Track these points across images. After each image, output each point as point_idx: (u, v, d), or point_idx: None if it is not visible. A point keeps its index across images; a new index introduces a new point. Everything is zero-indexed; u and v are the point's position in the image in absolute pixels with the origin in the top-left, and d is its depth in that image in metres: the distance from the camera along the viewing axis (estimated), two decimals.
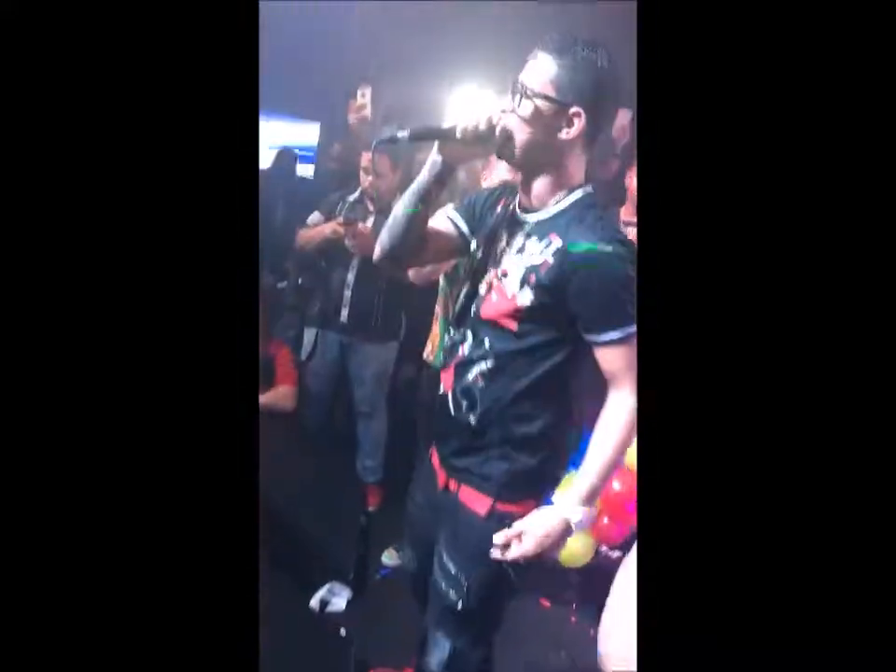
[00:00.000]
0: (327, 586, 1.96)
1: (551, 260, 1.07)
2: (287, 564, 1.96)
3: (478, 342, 1.16)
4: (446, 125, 1.09)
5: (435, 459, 1.29)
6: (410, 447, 2.39)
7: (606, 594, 1.61)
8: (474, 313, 1.18)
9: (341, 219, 2.24)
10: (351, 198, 2.41)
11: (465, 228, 1.25)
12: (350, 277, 2.37)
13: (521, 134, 1.06)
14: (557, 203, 1.11)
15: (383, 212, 2.36)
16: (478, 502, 1.17)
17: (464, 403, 1.18)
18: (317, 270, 2.53)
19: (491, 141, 1.08)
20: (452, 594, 1.19)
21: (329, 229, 2.31)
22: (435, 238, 1.25)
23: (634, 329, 1.03)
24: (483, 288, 1.17)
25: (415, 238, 1.21)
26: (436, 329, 2.17)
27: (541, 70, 1.04)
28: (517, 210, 1.17)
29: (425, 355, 2.21)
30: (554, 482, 1.23)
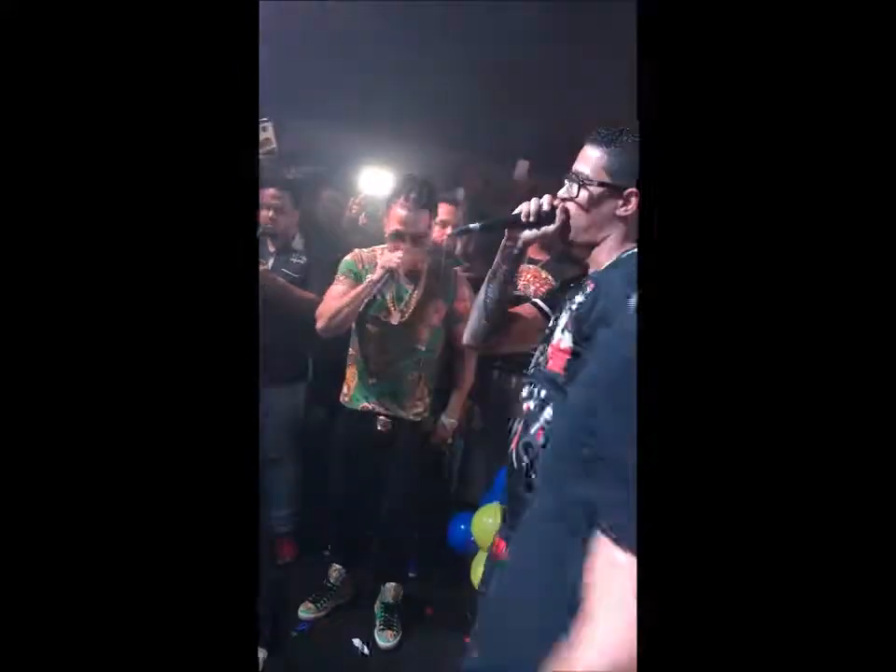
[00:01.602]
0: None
1: (584, 299, 1.12)
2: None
3: (541, 400, 1.17)
4: (513, 213, 1.22)
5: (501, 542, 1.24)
6: (324, 493, 2.32)
7: None
8: (540, 369, 1.20)
9: None
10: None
11: (547, 309, 1.35)
12: None
13: (580, 216, 1.17)
14: (605, 265, 1.19)
15: (282, 251, 2.33)
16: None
17: (525, 459, 1.16)
18: None
19: (552, 223, 1.19)
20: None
21: None
22: (517, 319, 1.37)
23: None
24: (549, 350, 1.20)
25: (500, 321, 1.34)
26: (352, 370, 2.13)
27: (594, 159, 1.15)
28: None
29: (341, 397, 2.17)
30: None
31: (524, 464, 1.16)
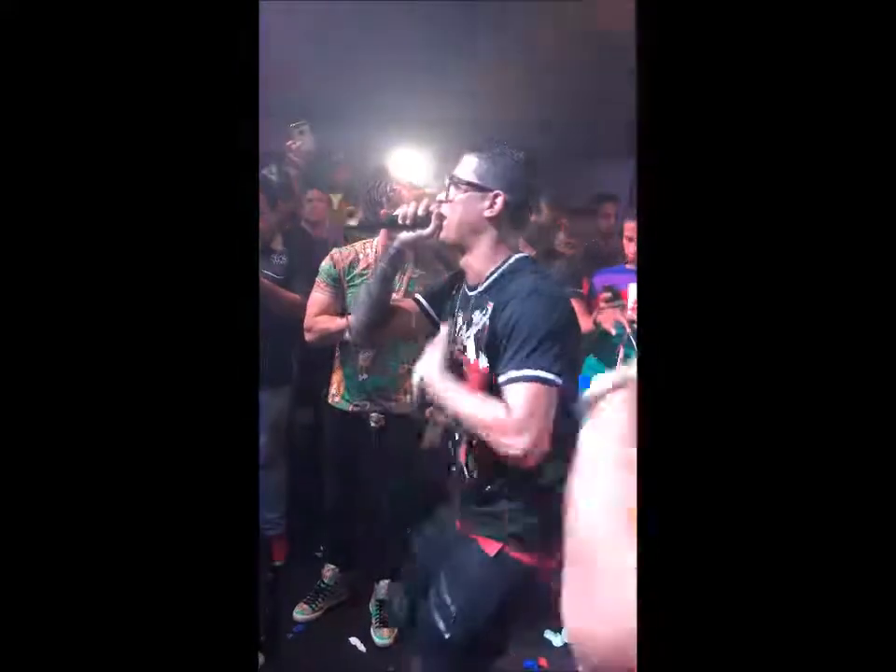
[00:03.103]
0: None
1: (487, 323, 1.23)
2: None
3: None
4: (392, 214, 1.32)
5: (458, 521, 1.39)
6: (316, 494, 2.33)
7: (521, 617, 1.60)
8: None
9: None
10: None
11: (428, 307, 1.46)
12: None
13: (452, 217, 1.27)
14: (492, 273, 1.28)
15: (262, 253, 2.31)
16: (489, 545, 1.26)
17: (474, 471, 1.31)
18: None
19: (429, 225, 1.29)
20: (440, 623, 1.25)
21: None
22: (400, 315, 1.47)
23: (535, 373, 1.11)
24: (463, 367, 1.31)
25: (381, 316, 1.44)
26: (339, 370, 2.14)
27: (468, 164, 1.27)
28: (465, 289, 1.34)
29: (329, 398, 2.16)
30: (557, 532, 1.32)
31: (473, 474, 1.31)
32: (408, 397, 2.12)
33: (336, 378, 2.15)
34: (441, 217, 1.28)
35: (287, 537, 2.52)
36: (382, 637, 2.11)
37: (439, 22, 2.47)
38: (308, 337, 2.05)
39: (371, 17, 2.42)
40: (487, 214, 1.25)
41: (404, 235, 1.34)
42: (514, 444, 1.10)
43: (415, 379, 1.28)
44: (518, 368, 1.14)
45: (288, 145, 2.51)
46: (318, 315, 2.02)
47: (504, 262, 1.27)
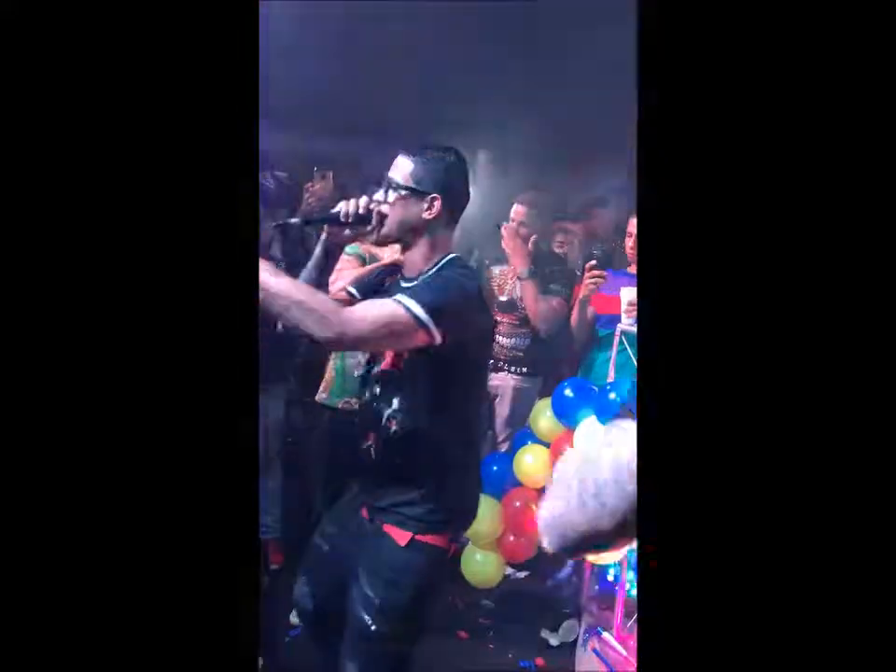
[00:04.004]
0: None
1: None
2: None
3: (383, 394, 1.36)
4: (333, 211, 1.34)
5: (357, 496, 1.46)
6: (310, 495, 2.32)
7: (518, 617, 1.64)
8: (375, 373, 1.39)
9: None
10: None
11: (358, 296, 1.47)
12: None
13: (393, 217, 1.31)
14: (428, 270, 1.34)
15: None
16: (399, 535, 1.31)
17: (383, 451, 1.36)
18: None
19: (369, 224, 1.32)
20: (365, 617, 1.28)
21: None
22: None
23: (399, 298, 1.19)
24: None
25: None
26: (331, 371, 2.16)
27: (403, 167, 1.32)
28: (400, 280, 1.40)
29: (318, 397, 2.18)
30: (465, 514, 1.40)
31: (380, 458, 1.36)
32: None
33: (327, 376, 2.16)
34: (381, 216, 1.32)
35: (283, 540, 2.52)
36: None
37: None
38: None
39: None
40: (426, 216, 1.31)
41: (347, 232, 1.37)
42: (328, 327, 1.12)
43: None
44: (391, 295, 1.23)
45: (307, 186, 2.52)
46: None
47: (439, 261, 1.34)
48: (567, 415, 2.11)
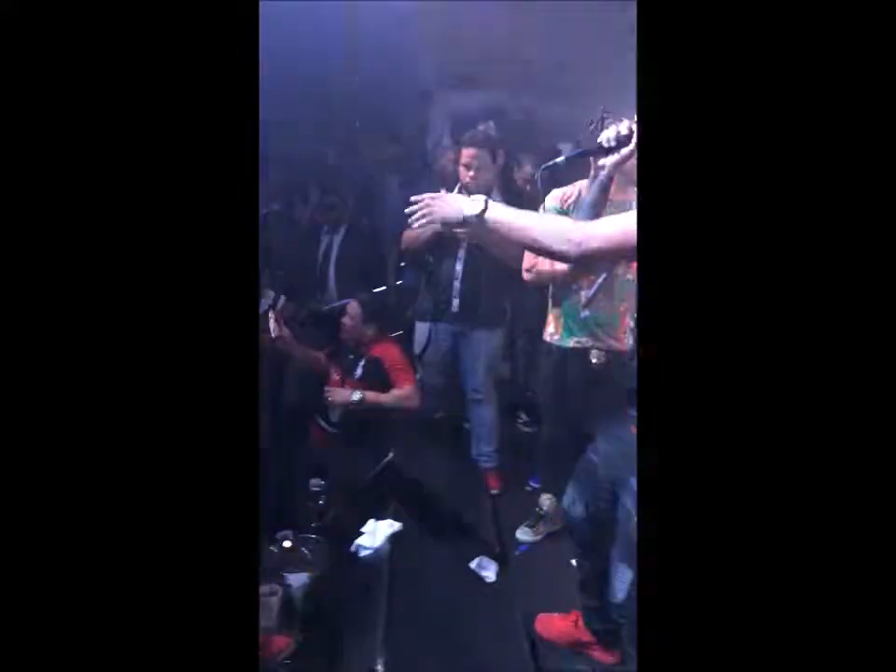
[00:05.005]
0: (477, 559, 2.04)
1: None
2: (438, 536, 2.07)
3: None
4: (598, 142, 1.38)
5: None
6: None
7: None
8: None
9: None
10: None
11: None
12: (459, 268, 2.47)
13: None
14: None
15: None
16: None
17: None
18: (423, 266, 2.64)
19: (629, 144, 1.34)
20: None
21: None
22: None
23: None
24: None
25: None
26: (556, 310, 2.22)
27: None
28: None
29: (547, 336, 2.26)
30: None
31: None
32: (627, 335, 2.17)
33: (553, 316, 2.24)
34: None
35: (502, 468, 2.71)
36: (526, 533, 2.35)
37: None
38: (527, 276, 2.15)
39: None
40: None
41: (612, 158, 1.39)
42: (570, 239, 1.16)
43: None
44: None
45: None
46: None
47: None
48: None
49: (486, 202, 1.26)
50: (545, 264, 2.12)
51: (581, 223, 1.23)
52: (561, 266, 2.08)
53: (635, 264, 1.53)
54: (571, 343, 2.17)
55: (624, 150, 1.36)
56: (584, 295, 2.14)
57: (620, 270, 2.09)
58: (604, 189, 1.47)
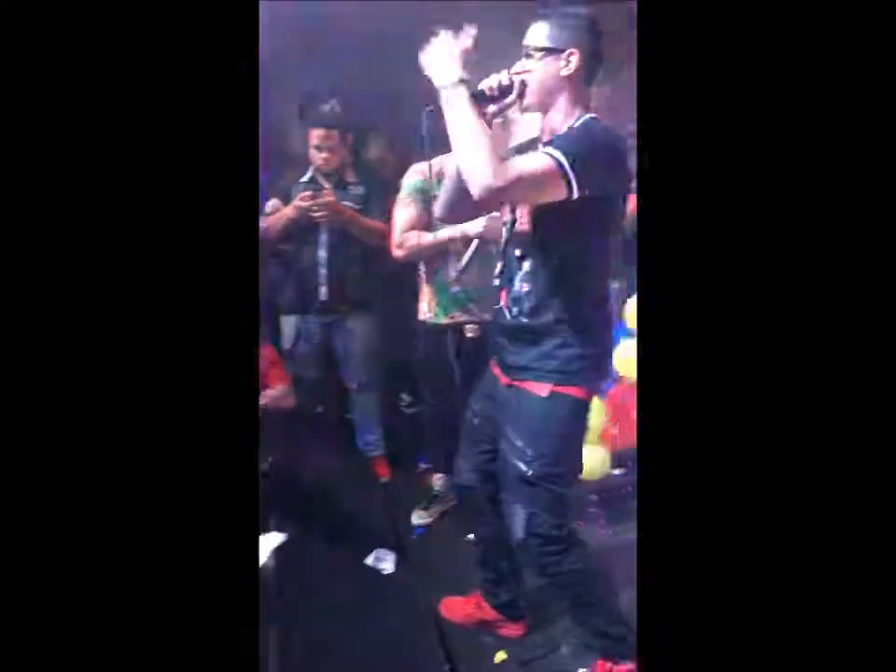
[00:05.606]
0: (373, 553, 1.99)
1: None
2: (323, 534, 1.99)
3: (519, 258, 1.43)
4: (478, 89, 1.33)
5: (496, 369, 1.54)
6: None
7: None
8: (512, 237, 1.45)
9: (305, 194, 2.22)
10: (303, 179, 2.38)
11: None
12: (322, 254, 2.35)
13: (534, 82, 1.34)
14: (568, 128, 1.36)
15: (338, 187, 2.36)
16: (539, 388, 1.40)
17: (514, 309, 1.44)
18: (283, 256, 2.50)
19: (511, 94, 1.35)
20: (521, 465, 1.41)
21: (290, 209, 2.28)
22: None
23: (549, 150, 1.23)
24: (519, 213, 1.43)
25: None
26: (428, 288, 2.19)
27: (538, 32, 1.35)
28: (540, 146, 1.39)
29: (421, 315, 2.22)
30: (599, 367, 1.48)
31: (515, 314, 1.43)
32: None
33: (426, 293, 2.21)
34: (523, 84, 1.35)
35: (388, 456, 2.66)
36: (420, 517, 2.33)
37: None
38: (397, 254, 2.10)
39: None
40: (564, 73, 1.34)
41: (493, 106, 1.38)
42: (485, 176, 1.17)
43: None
44: (545, 147, 1.26)
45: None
46: (407, 232, 2.08)
47: (578, 118, 1.36)
48: None
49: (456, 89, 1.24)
50: (414, 238, 2.07)
51: (500, 163, 1.21)
52: (427, 238, 2.05)
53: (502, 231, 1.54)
54: (445, 320, 2.16)
55: (507, 98, 1.36)
56: (454, 271, 2.12)
57: (490, 243, 2.09)
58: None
